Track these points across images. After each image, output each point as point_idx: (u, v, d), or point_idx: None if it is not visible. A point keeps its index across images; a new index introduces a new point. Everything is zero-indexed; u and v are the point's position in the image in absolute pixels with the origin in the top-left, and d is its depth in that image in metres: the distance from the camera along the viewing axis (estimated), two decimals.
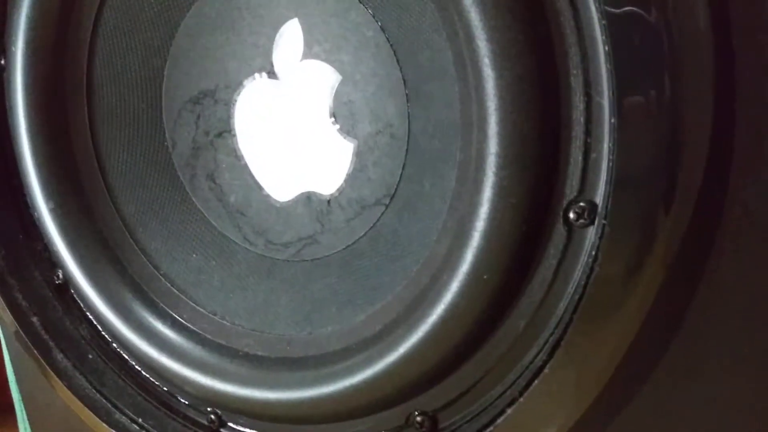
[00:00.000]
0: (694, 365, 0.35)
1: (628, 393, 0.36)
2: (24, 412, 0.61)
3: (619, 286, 0.32)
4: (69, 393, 0.49)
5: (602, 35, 0.30)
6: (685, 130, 0.31)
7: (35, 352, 0.50)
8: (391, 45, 0.39)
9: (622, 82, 0.30)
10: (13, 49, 0.46)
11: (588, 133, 0.32)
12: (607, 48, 0.30)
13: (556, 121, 0.33)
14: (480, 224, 0.33)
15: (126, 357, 0.50)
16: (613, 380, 0.34)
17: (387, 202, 0.41)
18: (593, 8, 0.31)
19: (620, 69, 0.30)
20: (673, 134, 0.30)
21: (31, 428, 0.60)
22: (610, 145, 0.31)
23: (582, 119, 0.32)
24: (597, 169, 0.33)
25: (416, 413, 0.40)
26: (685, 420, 0.36)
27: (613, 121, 0.30)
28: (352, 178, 0.42)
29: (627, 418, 0.36)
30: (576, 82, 0.32)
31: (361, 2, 0.39)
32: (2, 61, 0.48)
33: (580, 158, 0.33)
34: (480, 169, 0.33)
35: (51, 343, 0.50)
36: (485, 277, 0.34)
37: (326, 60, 0.41)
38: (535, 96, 0.32)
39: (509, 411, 0.36)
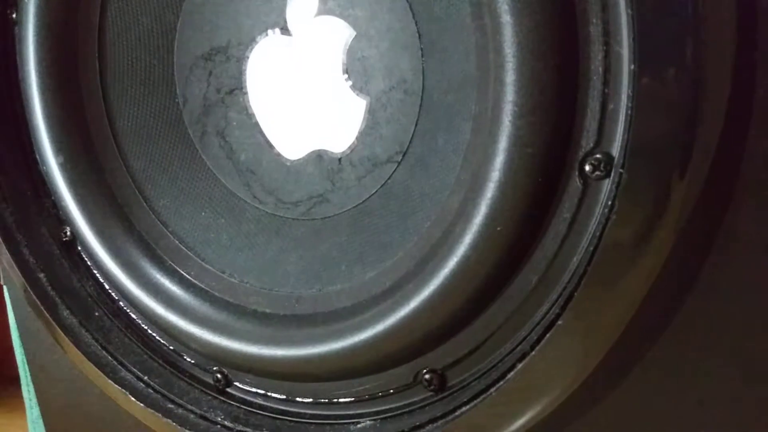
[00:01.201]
0: (708, 325, 0.34)
1: (637, 352, 0.36)
2: (28, 374, 0.61)
3: (634, 240, 0.32)
4: (75, 350, 0.49)
5: None
6: (705, 85, 0.30)
7: (42, 308, 0.49)
8: None
9: (642, 32, 0.30)
10: (26, 1, 0.45)
11: (606, 83, 0.32)
12: None
13: (574, 71, 0.32)
14: (495, 174, 0.33)
15: (132, 315, 0.50)
16: (623, 336, 0.34)
17: (399, 159, 0.40)
18: None
19: (641, 18, 0.30)
20: (692, 89, 0.30)
21: (35, 390, 0.60)
22: (629, 94, 0.30)
23: (600, 69, 0.32)
24: (614, 120, 0.32)
25: (425, 371, 0.40)
26: (693, 385, 0.36)
27: (632, 68, 0.30)
28: (364, 136, 0.42)
29: (634, 378, 0.36)
30: (595, 31, 0.32)
31: None
32: (14, 15, 0.48)
33: (598, 109, 0.32)
34: (496, 118, 0.33)
35: (57, 300, 0.50)
36: (499, 229, 0.34)
37: (340, 15, 0.41)
38: (553, 44, 0.32)
39: (519, 366, 0.35)
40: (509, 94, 0.32)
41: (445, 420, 0.39)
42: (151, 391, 0.49)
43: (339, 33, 0.41)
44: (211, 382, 0.48)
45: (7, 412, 1.10)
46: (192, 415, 0.48)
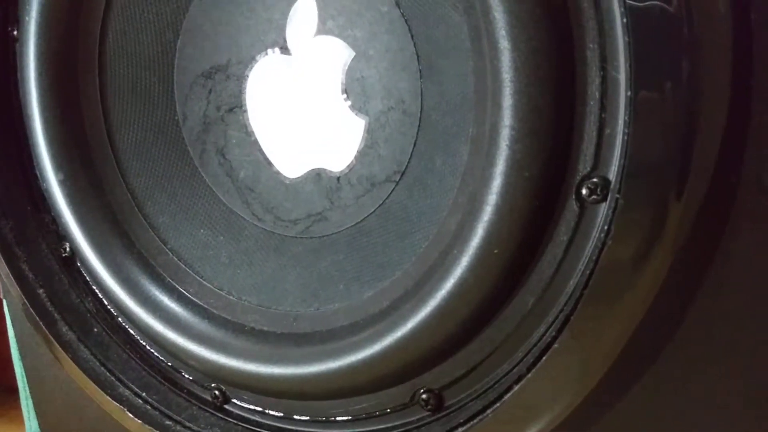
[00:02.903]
0: (706, 346, 0.34)
1: (634, 374, 0.36)
2: (27, 387, 0.61)
3: (630, 264, 0.32)
4: (73, 366, 0.49)
5: (620, 8, 0.30)
6: (701, 110, 0.30)
7: (41, 324, 0.50)
8: (406, 20, 0.39)
9: (639, 57, 0.30)
10: (27, 18, 0.46)
11: (603, 108, 0.32)
12: (625, 21, 0.30)
13: (571, 96, 0.32)
14: (492, 198, 0.33)
15: (131, 331, 0.50)
16: (621, 359, 0.34)
17: (397, 179, 0.41)
18: None
19: (638, 44, 0.30)
20: (688, 113, 0.30)
21: (34, 404, 0.60)
22: (626, 119, 0.31)
23: (597, 94, 0.32)
24: (611, 145, 0.32)
25: (422, 391, 0.40)
26: (693, 405, 0.36)
27: (629, 94, 0.30)
28: (362, 155, 0.42)
29: (632, 399, 0.36)
30: (592, 57, 0.32)
31: None
32: (15, 32, 0.48)
33: (595, 134, 0.33)
34: (493, 142, 0.33)
35: (56, 316, 0.50)
36: (496, 251, 0.34)
37: (340, 35, 0.41)
38: (550, 69, 0.32)
39: (516, 388, 0.35)
40: (506, 118, 0.32)
41: None
42: (149, 407, 0.49)
43: (338, 53, 0.41)
44: (209, 398, 0.48)
45: (6, 423, 1.10)
46: None
